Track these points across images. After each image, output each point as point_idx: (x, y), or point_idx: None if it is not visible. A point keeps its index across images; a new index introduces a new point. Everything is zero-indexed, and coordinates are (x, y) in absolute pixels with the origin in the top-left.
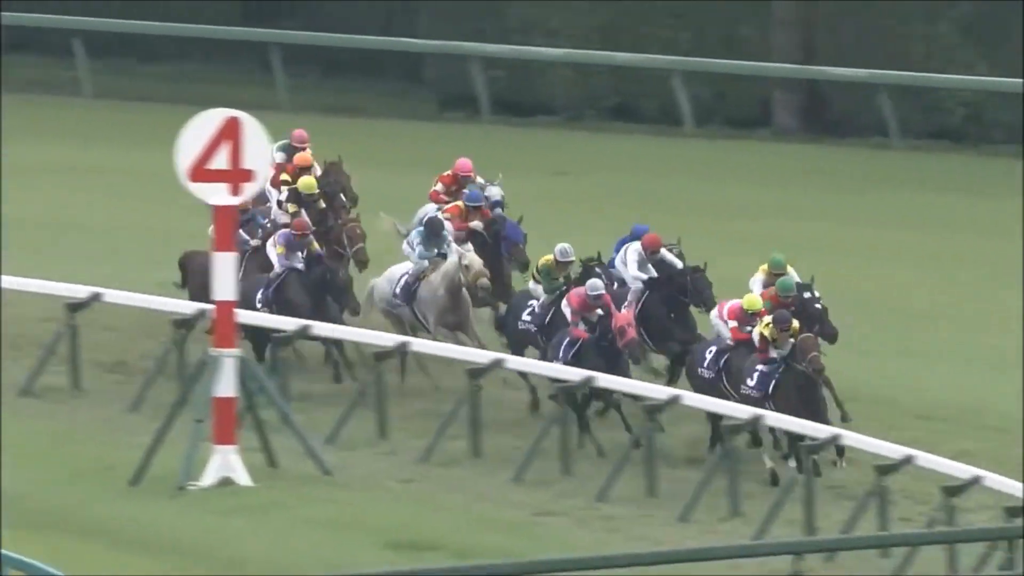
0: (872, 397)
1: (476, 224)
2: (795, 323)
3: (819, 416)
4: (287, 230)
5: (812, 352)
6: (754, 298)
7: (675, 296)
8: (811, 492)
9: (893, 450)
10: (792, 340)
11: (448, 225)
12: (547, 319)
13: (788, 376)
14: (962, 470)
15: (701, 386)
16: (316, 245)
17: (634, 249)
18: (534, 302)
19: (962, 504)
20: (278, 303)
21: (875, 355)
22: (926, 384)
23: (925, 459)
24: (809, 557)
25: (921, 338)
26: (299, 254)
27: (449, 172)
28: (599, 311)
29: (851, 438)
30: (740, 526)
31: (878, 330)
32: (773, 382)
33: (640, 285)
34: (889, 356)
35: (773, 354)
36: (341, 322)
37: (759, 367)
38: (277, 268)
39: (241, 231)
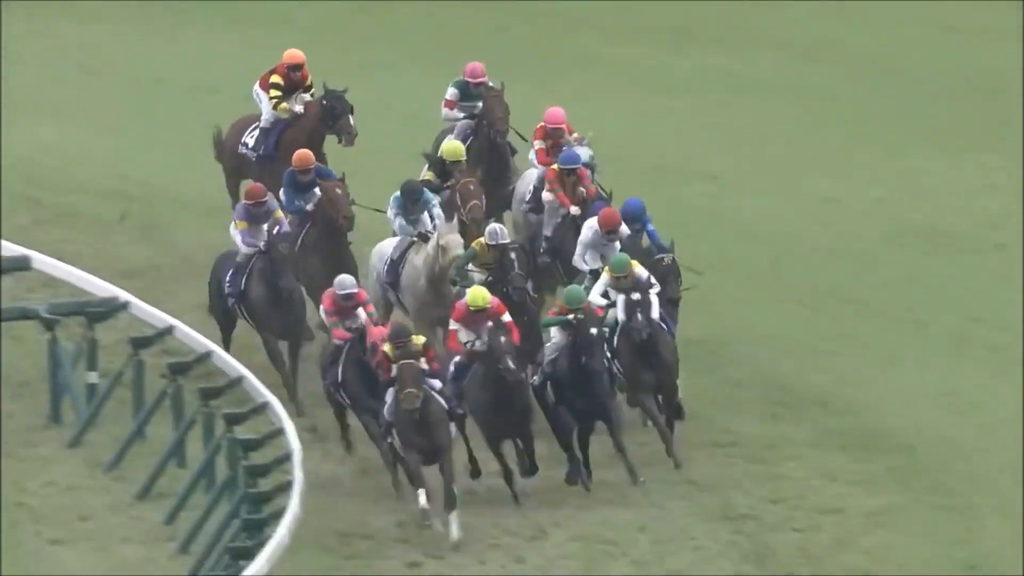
0: None
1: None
2: (417, 339)
3: (440, 455)
4: (243, 202)
5: (408, 387)
6: (479, 292)
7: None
8: None
9: None
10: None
11: (428, 192)
12: None
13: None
14: None
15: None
16: (279, 213)
17: (588, 228)
18: None
19: None
20: (245, 306)
21: None
22: None
23: None
24: None
25: None
26: (264, 228)
27: (540, 124)
28: (359, 313)
29: None
30: None
31: None
32: (392, 409)
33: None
34: None
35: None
36: (299, 333)
37: (387, 398)
38: (243, 250)
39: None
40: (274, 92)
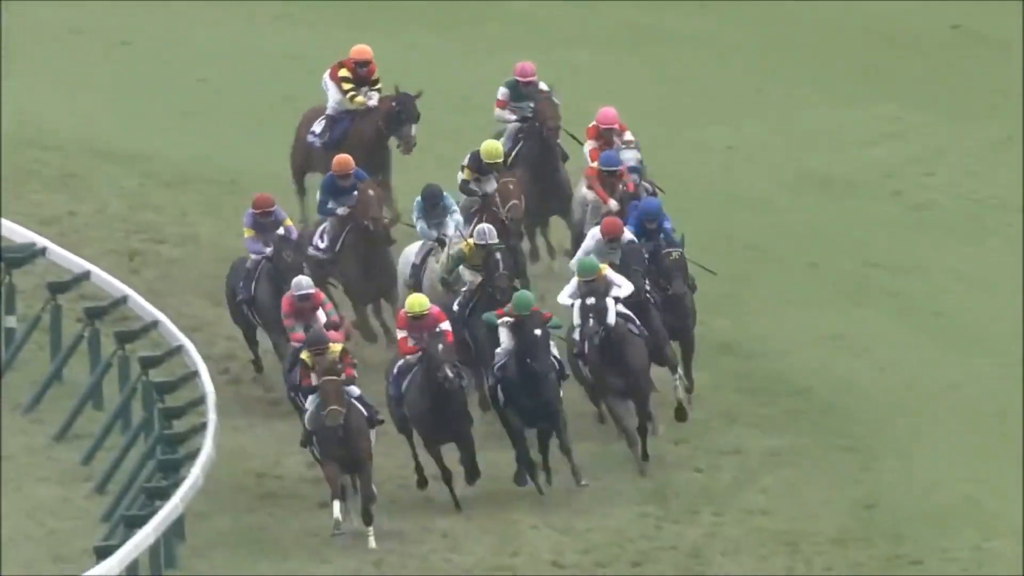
0: None
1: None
2: (334, 347)
3: (360, 465)
4: (250, 210)
5: (331, 404)
6: (417, 299)
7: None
8: None
9: None
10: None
11: (448, 198)
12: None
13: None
14: None
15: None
16: (289, 221)
17: (591, 236)
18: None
19: None
20: (255, 308)
21: None
22: None
23: None
24: None
25: None
26: (271, 237)
27: (592, 124)
28: (318, 315)
29: None
30: None
31: None
32: (313, 419)
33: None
34: None
35: (315, 381)
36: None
37: (307, 404)
38: (251, 256)
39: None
40: (347, 85)
